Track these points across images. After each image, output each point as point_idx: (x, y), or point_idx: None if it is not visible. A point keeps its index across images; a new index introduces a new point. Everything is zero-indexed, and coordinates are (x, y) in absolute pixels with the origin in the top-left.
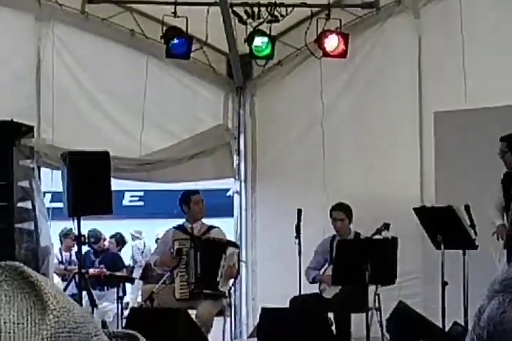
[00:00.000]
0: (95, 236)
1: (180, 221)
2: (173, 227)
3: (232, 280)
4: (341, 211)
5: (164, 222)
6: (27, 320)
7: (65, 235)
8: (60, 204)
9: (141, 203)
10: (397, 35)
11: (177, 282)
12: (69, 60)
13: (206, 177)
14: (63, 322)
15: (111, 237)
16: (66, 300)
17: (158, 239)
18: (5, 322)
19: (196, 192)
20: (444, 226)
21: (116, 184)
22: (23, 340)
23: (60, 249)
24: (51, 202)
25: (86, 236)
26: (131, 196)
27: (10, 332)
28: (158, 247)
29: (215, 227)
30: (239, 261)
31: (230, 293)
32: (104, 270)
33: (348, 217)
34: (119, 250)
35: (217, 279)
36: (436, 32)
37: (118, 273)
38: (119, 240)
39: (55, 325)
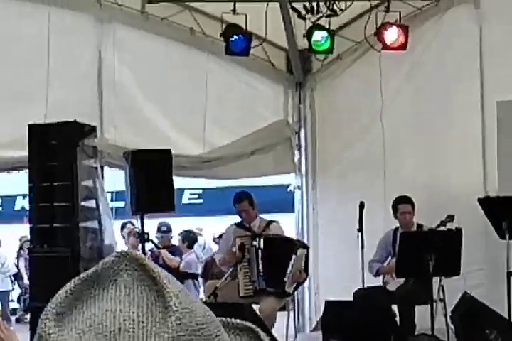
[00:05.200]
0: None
1: (239, 218)
2: (234, 224)
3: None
4: (408, 204)
5: (223, 219)
6: (147, 319)
7: (128, 233)
8: (120, 204)
9: (200, 201)
10: (457, 25)
11: (240, 279)
12: (129, 60)
13: (267, 172)
14: (185, 324)
15: (179, 234)
16: (188, 300)
17: (215, 238)
18: (124, 320)
19: (240, 200)
20: (509, 216)
21: (175, 182)
22: (143, 340)
23: (128, 248)
24: (112, 201)
25: (148, 233)
26: (191, 194)
27: (129, 331)
28: (221, 245)
29: (273, 222)
30: (307, 262)
31: (294, 291)
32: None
33: (413, 210)
34: (188, 247)
35: (285, 279)
36: (496, 21)
37: (183, 269)
38: (186, 237)
39: (177, 327)
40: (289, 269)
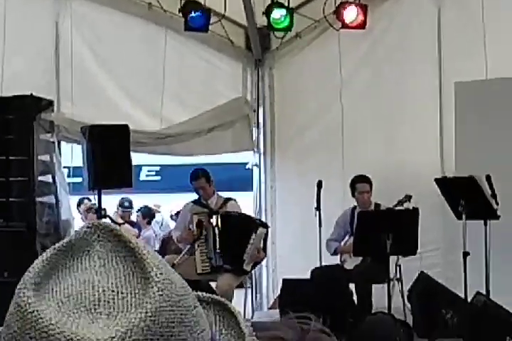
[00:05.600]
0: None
1: (197, 195)
2: (191, 201)
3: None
4: (366, 183)
5: (180, 196)
6: (126, 289)
7: (86, 210)
8: (77, 179)
9: (158, 178)
10: (416, 6)
11: (197, 256)
12: (87, 34)
13: (225, 150)
14: (167, 296)
15: (137, 211)
16: (168, 271)
17: (172, 215)
18: (104, 290)
19: (197, 177)
20: (466, 196)
21: (133, 158)
22: (123, 311)
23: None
24: (69, 176)
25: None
26: (148, 171)
27: (109, 302)
28: (178, 222)
29: (231, 200)
30: (266, 241)
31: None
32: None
33: (371, 189)
34: (148, 223)
35: (244, 257)
36: (455, 2)
37: None
38: (145, 213)
39: (160, 298)
40: (248, 247)
